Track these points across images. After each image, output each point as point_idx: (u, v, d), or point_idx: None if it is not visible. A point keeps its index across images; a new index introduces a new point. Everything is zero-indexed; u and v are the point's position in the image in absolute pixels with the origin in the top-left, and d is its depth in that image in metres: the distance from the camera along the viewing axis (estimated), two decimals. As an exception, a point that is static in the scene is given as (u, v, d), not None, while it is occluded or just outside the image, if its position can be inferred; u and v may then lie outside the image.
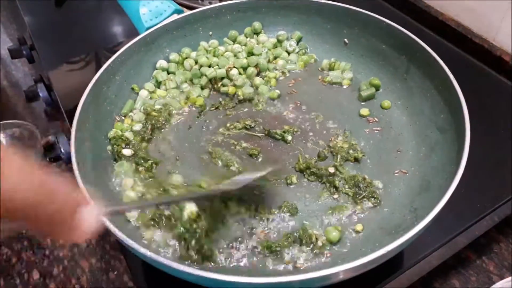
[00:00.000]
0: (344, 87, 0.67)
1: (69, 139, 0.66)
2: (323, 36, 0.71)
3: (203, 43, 0.70)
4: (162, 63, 0.68)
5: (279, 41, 0.72)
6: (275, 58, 0.70)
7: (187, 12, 0.69)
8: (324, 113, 0.63)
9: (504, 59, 0.72)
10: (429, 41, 0.60)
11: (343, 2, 0.68)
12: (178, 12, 0.70)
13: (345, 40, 0.69)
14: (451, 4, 0.79)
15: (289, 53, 0.71)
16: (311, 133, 0.61)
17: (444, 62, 0.57)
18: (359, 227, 0.50)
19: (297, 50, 0.72)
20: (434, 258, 0.53)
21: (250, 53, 0.70)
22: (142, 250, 0.41)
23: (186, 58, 0.69)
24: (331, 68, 0.68)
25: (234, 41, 0.71)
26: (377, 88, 0.65)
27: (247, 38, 0.72)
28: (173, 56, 0.69)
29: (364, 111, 0.62)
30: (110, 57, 0.62)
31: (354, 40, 0.68)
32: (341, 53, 0.70)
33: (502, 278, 0.56)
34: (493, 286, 0.51)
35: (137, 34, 0.68)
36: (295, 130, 0.61)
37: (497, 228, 0.60)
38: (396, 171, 0.55)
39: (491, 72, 0.72)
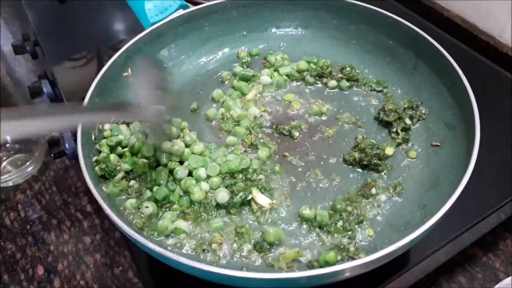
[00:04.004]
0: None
1: (73, 135, 0.66)
2: (329, 31, 0.70)
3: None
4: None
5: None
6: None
7: (193, 8, 0.69)
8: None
9: (510, 56, 0.71)
10: (435, 37, 0.60)
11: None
12: (184, 7, 0.69)
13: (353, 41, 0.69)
14: (457, 1, 0.79)
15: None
16: (318, 129, 0.60)
17: (450, 58, 0.57)
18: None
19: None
20: (440, 255, 0.53)
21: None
22: (151, 245, 0.41)
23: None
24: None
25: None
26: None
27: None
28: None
29: (371, 108, 0.62)
30: (113, 53, 0.61)
31: (361, 36, 0.68)
32: (348, 49, 0.69)
33: (508, 275, 0.56)
34: (499, 284, 0.51)
35: (142, 30, 0.68)
36: (302, 126, 0.61)
37: (504, 226, 0.60)
38: (405, 168, 0.55)
39: (497, 68, 0.72)
